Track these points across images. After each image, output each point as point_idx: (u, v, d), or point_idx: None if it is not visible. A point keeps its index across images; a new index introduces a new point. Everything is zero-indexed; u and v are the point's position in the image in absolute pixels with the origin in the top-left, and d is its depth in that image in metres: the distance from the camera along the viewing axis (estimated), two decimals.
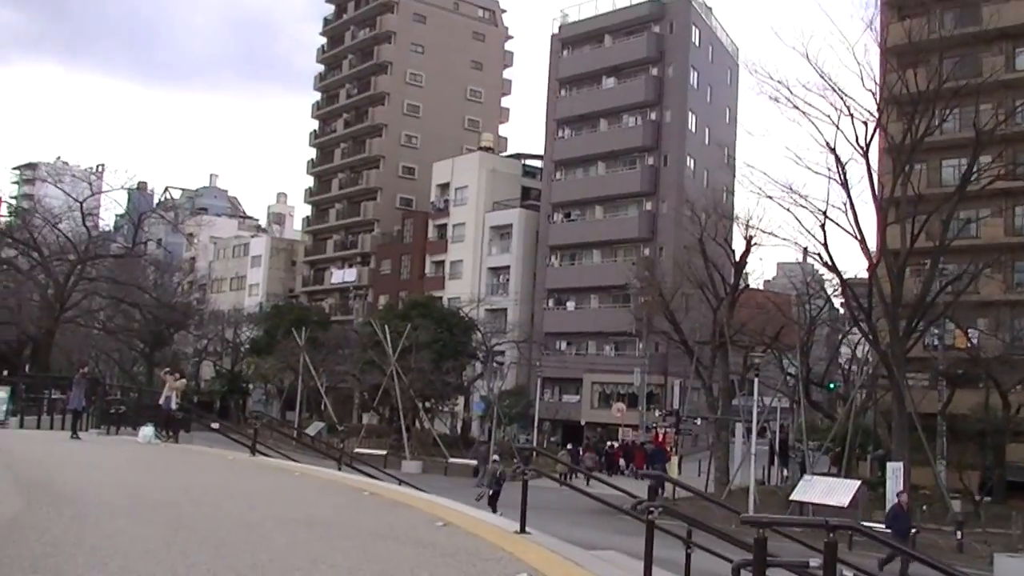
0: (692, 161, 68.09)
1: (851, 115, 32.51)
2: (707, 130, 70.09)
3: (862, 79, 36.29)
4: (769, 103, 74.20)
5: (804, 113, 32.94)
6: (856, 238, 32.92)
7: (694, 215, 42.84)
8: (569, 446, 53.21)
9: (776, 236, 42.36)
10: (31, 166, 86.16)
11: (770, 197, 40.26)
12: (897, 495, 25.58)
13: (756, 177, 54.65)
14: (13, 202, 59.67)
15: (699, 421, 48.63)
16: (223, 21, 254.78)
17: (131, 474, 16.04)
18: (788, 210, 33.48)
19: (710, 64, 71.63)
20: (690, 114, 68.29)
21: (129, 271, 52.33)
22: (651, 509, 9.42)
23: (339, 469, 23.97)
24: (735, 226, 41.54)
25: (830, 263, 35.02)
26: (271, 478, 17.17)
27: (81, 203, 47.25)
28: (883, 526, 23.33)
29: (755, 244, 38.74)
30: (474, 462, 42.24)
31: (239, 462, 20.47)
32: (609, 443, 57.18)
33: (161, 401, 25.78)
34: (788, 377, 44.14)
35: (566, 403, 68.66)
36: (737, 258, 39.85)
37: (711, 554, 11.91)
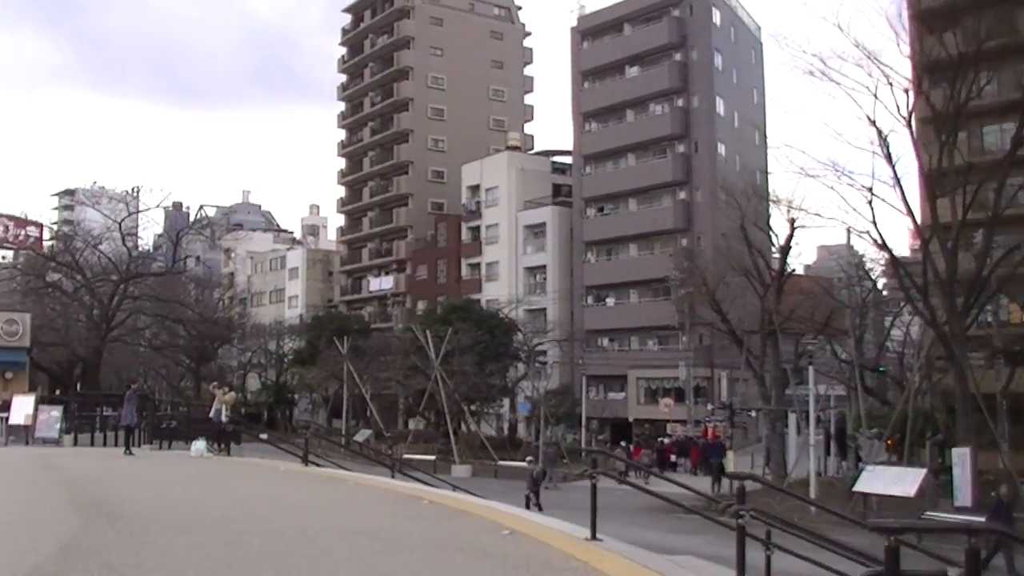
0: (723, 146, 67.24)
1: (890, 84, 31.42)
2: (735, 113, 69.21)
3: (898, 45, 35.22)
4: (802, 78, 72.71)
5: (840, 85, 31.94)
6: (905, 213, 31.97)
7: (733, 200, 41.99)
8: (622, 443, 52.52)
9: (821, 216, 40.72)
10: (69, 192, 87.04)
11: (813, 176, 39.30)
12: (997, 488, 23.85)
13: (795, 156, 53.37)
14: (54, 228, 59.92)
15: (753, 413, 47.67)
16: (244, 40, 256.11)
17: (187, 490, 15.82)
18: (832, 188, 32.52)
19: (733, 45, 70.66)
20: (717, 98, 67.39)
21: (171, 289, 52.68)
22: (741, 513, 8.80)
23: (392, 477, 23.72)
24: (776, 209, 40.57)
25: (880, 241, 33.95)
26: (326, 488, 16.90)
27: (120, 223, 47.59)
28: (974, 517, 21.97)
29: (798, 227, 37.84)
30: (526, 464, 41.69)
31: (292, 473, 20.21)
32: (660, 439, 56.41)
33: (211, 415, 25.65)
34: (842, 364, 43.06)
35: (611, 400, 67.92)
36: (781, 242, 38.99)
37: (794, 555, 11.41)
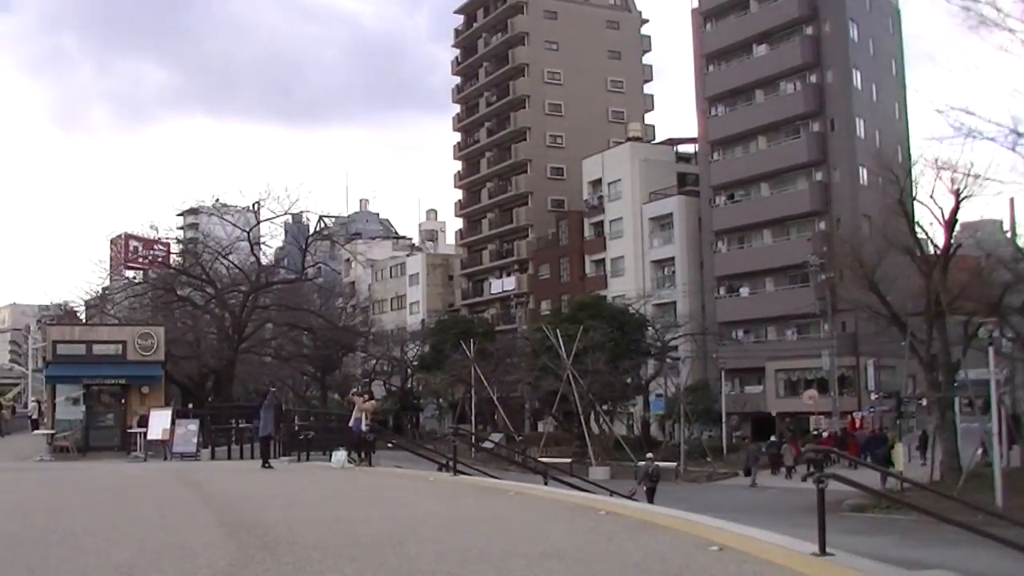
0: (861, 122, 63.79)
1: None
2: (873, 86, 65.68)
3: None
4: (962, 34, 68.00)
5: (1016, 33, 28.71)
6: None
7: (890, 174, 39.11)
8: (772, 438, 50.08)
9: (1002, 183, 37.18)
10: (193, 211, 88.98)
11: (991, 139, 35.83)
12: None
13: (963, 119, 48.52)
14: (180, 245, 60.51)
15: (924, 402, 44.51)
16: (351, 53, 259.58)
17: (337, 506, 14.44)
18: (1013, 150, 29.03)
19: (868, 14, 66.99)
20: (854, 71, 63.90)
21: (296, 298, 52.42)
22: None
23: (546, 483, 22.08)
24: (939, 181, 37.30)
25: None
26: (487, 500, 15.31)
27: (248, 232, 47.33)
28: None
29: (966, 197, 34.80)
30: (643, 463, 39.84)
31: (443, 483, 18.74)
32: (815, 431, 53.56)
33: (351, 423, 24.42)
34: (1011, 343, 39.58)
35: (748, 395, 65.42)
36: (946, 216, 35.96)
37: None
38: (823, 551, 8.95)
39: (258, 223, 47.60)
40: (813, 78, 65.09)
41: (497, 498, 15.55)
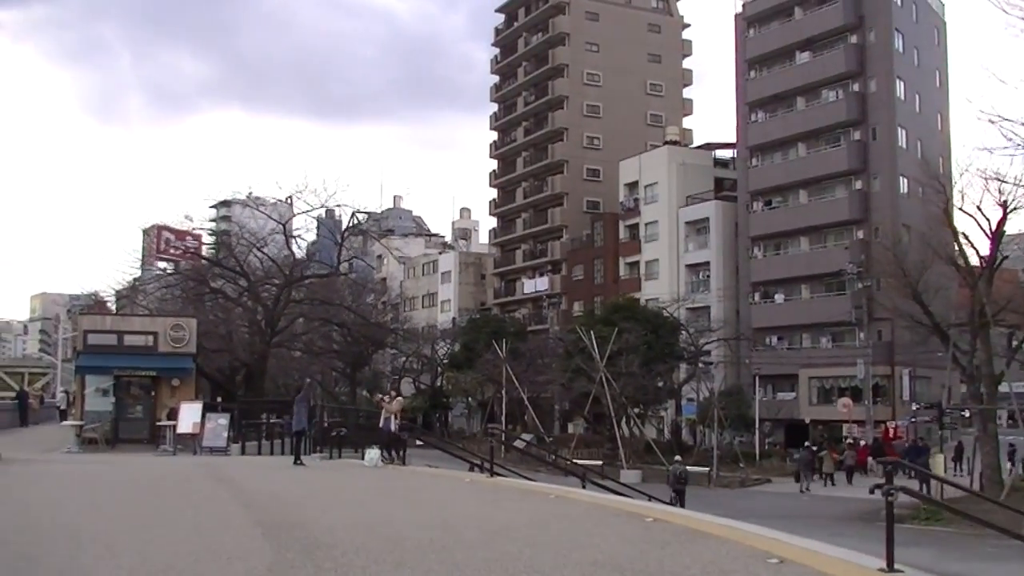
0: (903, 132, 62.93)
1: None
2: (917, 97, 64.86)
3: None
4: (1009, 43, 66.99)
5: None
6: None
7: (936, 184, 38.43)
8: (807, 444, 49.40)
9: None
10: (226, 203, 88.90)
11: None
12: None
13: (1016, 129, 47.20)
14: (212, 237, 60.34)
15: (967, 413, 43.81)
16: (387, 50, 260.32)
17: (376, 507, 14.02)
18: None
19: (915, 24, 66.18)
20: (898, 81, 63.11)
21: (329, 293, 52.09)
22: None
23: (583, 487, 21.68)
24: (986, 192, 36.64)
25: None
26: (527, 504, 14.86)
27: (284, 224, 47.02)
28: None
29: (1014, 209, 34.04)
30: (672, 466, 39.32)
31: (481, 485, 18.30)
32: (850, 439, 52.82)
33: (381, 424, 24.01)
34: None
35: (781, 401, 64.73)
36: (993, 227, 35.22)
37: None
38: (891, 567, 8.52)
39: (293, 216, 47.21)
40: (856, 86, 64.30)
41: (538, 501, 15.13)
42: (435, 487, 18.20)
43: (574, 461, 39.51)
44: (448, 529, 11.54)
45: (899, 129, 62.70)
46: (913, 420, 52.69)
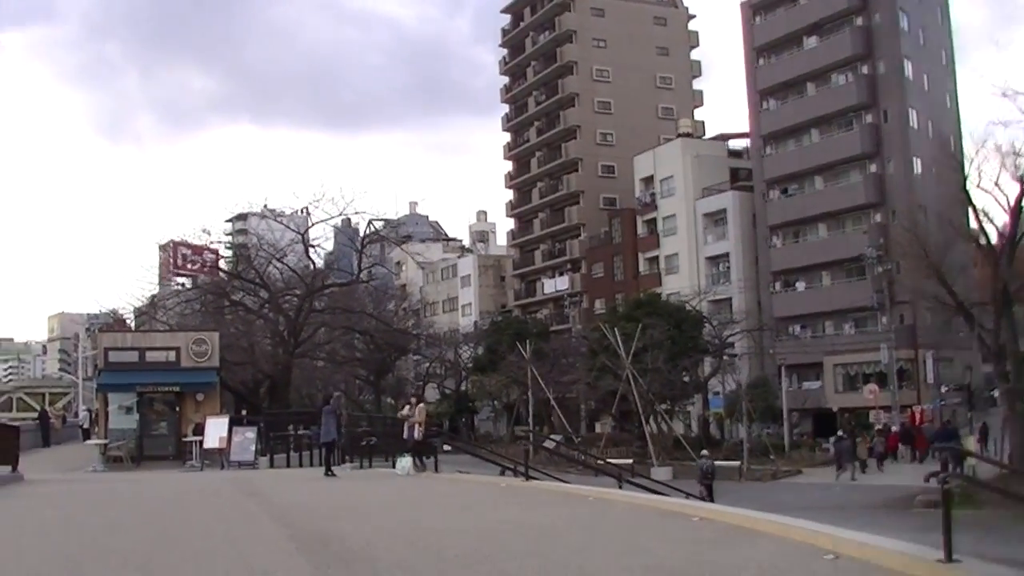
0: (914, 112, 62.34)
1: None
2: (925, 76, 64.21)
3: None
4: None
5: None
6: None
7: (953, 162, 37.95)
8: (839, 433, 49.02)
9: None
10: (242, 216, 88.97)
11: None
12: None
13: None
14: (230, 251, 59.99)
15: (996, 393, 43.27)
16: (395, 57, 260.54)
17: (413, 516, 13.70)
18: None
19: (918, 4, 65.38)
20: (905, 61, 62.45)
21: (348, 301, 51.83)
22: None
23: (620, 487, 21.41)
24: (1003, 168, 36.06)
25: None
26: (567, 508, 14.61)
27: (302, 233, 46.71)
28: None
29: None
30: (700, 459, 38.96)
31: (516, 489, 18.01)
32: (878, 426, 52.34)
33: (405, 435, 23.63)
34: None
35: (806, 390, 64.18)
36: (1011, 203, 34.71)
37: None
38: (949, 558, 8.20)
39: (311, 225, 46.77)
40: (865, 69, 63.68)
41: (577, 504, 14.86)
42: (470, 493, 17.94)
43: (607, 460, 39.27)
44: (490, 537, 11.26)
45: (910, 110, 62.14)
46: (943, 403, 52.13)
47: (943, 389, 54.07)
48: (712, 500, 25.80)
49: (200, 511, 14.99)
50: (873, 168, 63.17)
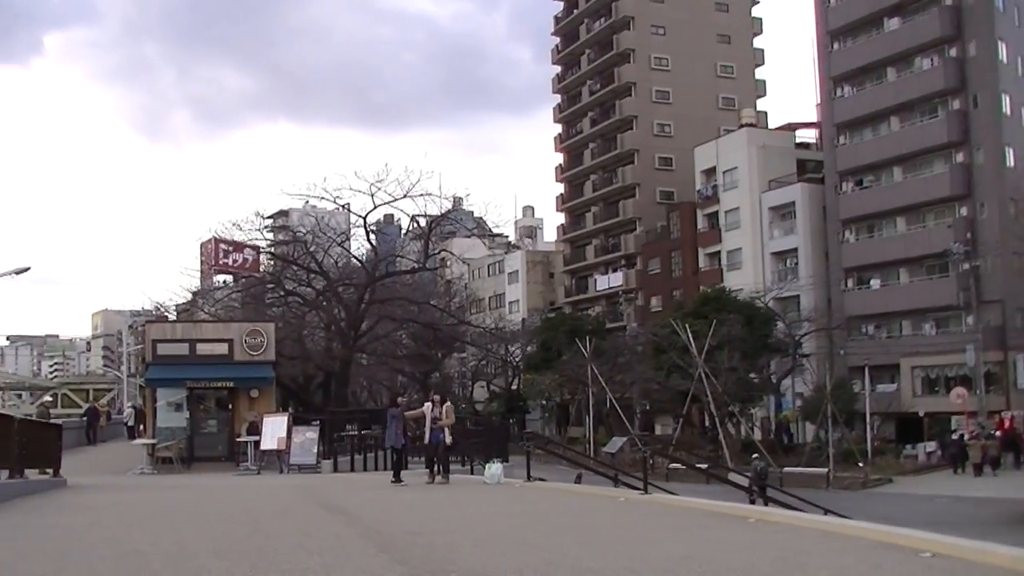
0: (1007, 98, 58.54)
1: None
2: (1019, 59, 60.21)
3: None
4: None
5: None
6: None
7: None
8: (959, 433, 45.99)
9: None
10: (283, 213, 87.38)
11: None
12: None
13: None
14: (273, 243, 57.28)
15: None
16: (431, 55, 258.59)
17: (539, 543, 10.56)
18: None
19: None
20: (999, 43, 58.67)
21: (407, 292, 49.09)
22: None
23: (752, 501, 18.39)
24: None
25: None
26: (727, 533, 11.41)
27: (364, 218, 43.84)
28: None
29: None
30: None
31: (641, 505, 15.02)
32: (976, 432, 49.09)
33: (427, 439, 20.62)
34: None
35: (880, 393, 60.66)
36: None
37: None
38: None
39: (376, 206, 43.53)
40: (953, 51, 59.97)
41: (736, 528, 11.69)
42: (587, 510, 14.98)
43: (733, 469, 36.75)
44: (641, 572, 8.28)
45: (1003, 95, 58.35)
46: None
47: None
48: (766, 503, 22.91)
49: (282, 536, 11.85)
50: (960, 158, 59.54)
